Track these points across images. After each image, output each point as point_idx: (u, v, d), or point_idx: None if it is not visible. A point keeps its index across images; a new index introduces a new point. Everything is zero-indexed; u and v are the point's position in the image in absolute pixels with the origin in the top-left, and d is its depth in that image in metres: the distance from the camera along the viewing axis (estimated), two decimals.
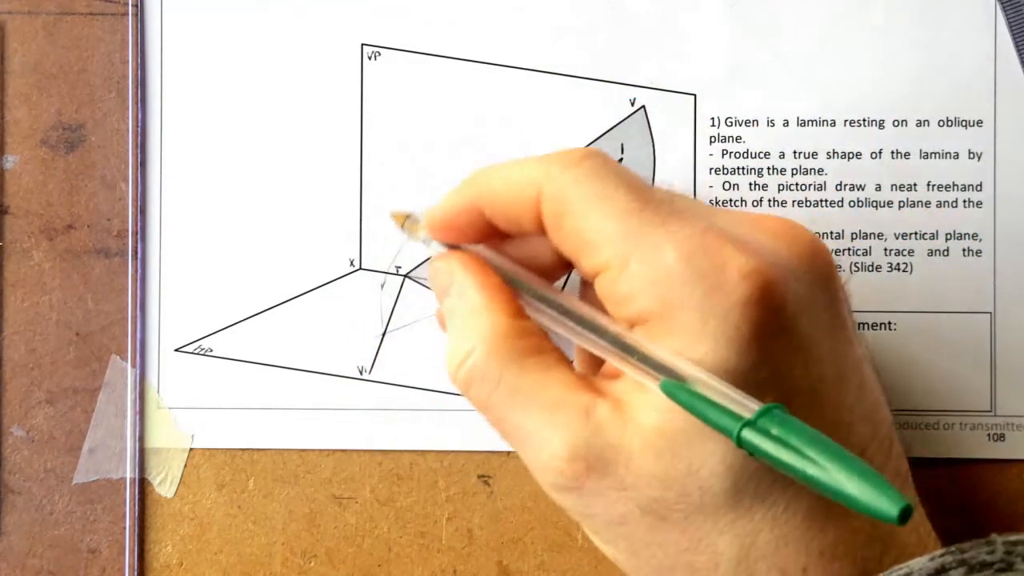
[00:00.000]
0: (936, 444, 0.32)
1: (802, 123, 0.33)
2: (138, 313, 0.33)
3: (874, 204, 0.33)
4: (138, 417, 0.33)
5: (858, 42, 0.32)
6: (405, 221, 0.28)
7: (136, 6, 0.33)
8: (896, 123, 0.33)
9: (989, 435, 0.32)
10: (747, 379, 0.21)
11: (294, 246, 0.33)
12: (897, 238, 0.33)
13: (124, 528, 0.33)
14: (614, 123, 0.33)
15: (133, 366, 0.33)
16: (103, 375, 0.33)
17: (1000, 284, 0.32)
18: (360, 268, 0.33)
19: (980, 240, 0.32)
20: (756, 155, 0.33)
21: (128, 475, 0.33)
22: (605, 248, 0.23)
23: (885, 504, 0.17)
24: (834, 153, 0.33)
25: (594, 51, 0.33)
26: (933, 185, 0.33)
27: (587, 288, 0.25)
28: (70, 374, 0.33)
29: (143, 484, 0.33)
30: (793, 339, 0.22)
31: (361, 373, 0.33)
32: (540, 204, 0.24)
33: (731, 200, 0.33)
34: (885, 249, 0.33)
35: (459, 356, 0.24)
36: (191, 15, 0.33)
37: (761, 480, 0.22)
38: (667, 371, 0.21)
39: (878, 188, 0.33)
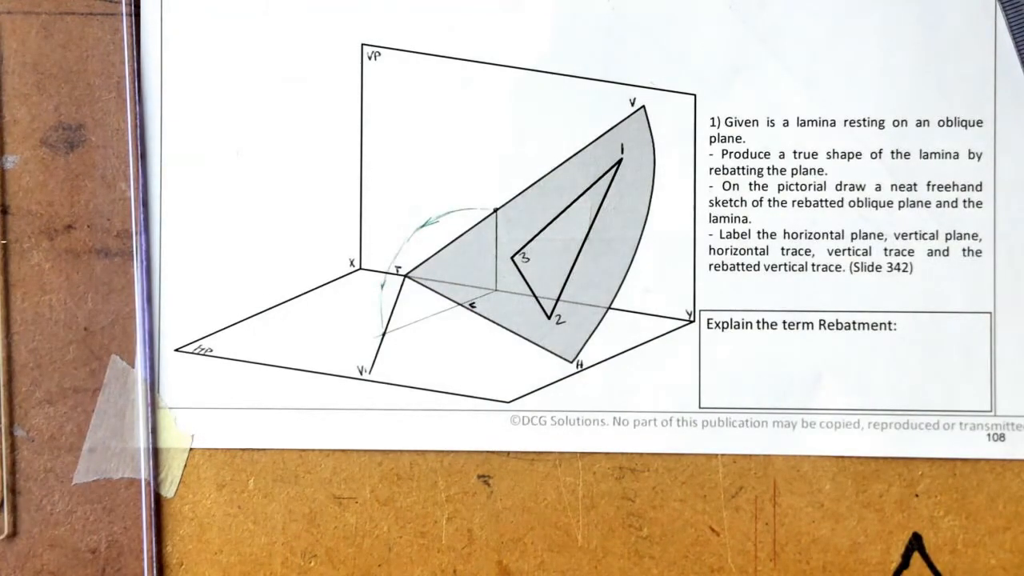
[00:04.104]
0: (936, 444, 0.32)
1: (802, 123, 0.33)
2: (139, 313, 0.33)
3: (874, 204, 0.33)
4: (141, 417, 0.33)
5: (858, 42, 0.32)
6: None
7: (131, 5, 0.33)
8: (896, 123, 0.33)
9: (989, 435, 0.32)
10: None
11: (294, 246, 0.33)
12: (897, 238, 0.33)
13: (124, 528, 0.33)
14: (614, 123, 0.33)
15: (133, 366, 0.33)
16: (103, 375, 0.33)
17: (1000, 284, 0.32)
18: (360, 268, 0.33)
19: (980, 240, 0.32)
20: (756, 155, 0.33)
21: (143, 476, 0.33)
22: None
23: None
24: (834, 153, 0.33)
25: (594, 51, 0.33)
26: (933, 185, 0.33)
27: None
28: (70, 374, 0.33)
29: (143, 484, 0.33)
30: None
31: (361, 373, 0.33)
32: None
33: (731, 200, 0.33)
34: (885, 249, 0.33)
35: None
36: (191, 14, 0.33)
37: None
38: None
39: (878, 188, 0.33)
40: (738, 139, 0.33)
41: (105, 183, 0.33)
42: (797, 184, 0.33)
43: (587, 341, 0.33)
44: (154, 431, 0.33)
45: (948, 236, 0.33)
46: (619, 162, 0.33)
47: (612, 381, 0.33)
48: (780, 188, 0.33)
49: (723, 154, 0.33)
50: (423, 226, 0.33)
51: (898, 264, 0.33)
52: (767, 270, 0.33)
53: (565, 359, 0.33)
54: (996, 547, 0.33)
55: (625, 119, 0.33)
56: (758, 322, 0.33)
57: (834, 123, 0.33)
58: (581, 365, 0.33)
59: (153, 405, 0.33)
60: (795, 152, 0.33)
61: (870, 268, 0.33)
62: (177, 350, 0.33)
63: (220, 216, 0.33)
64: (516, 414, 0.33)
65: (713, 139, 0.33)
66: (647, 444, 0.33)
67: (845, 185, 0.33)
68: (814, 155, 0.33)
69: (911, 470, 0.33)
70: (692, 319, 0.33)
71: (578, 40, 0.33)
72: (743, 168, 0.33)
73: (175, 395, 0.33)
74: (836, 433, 0.33)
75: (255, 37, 0.33)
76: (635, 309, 0.33)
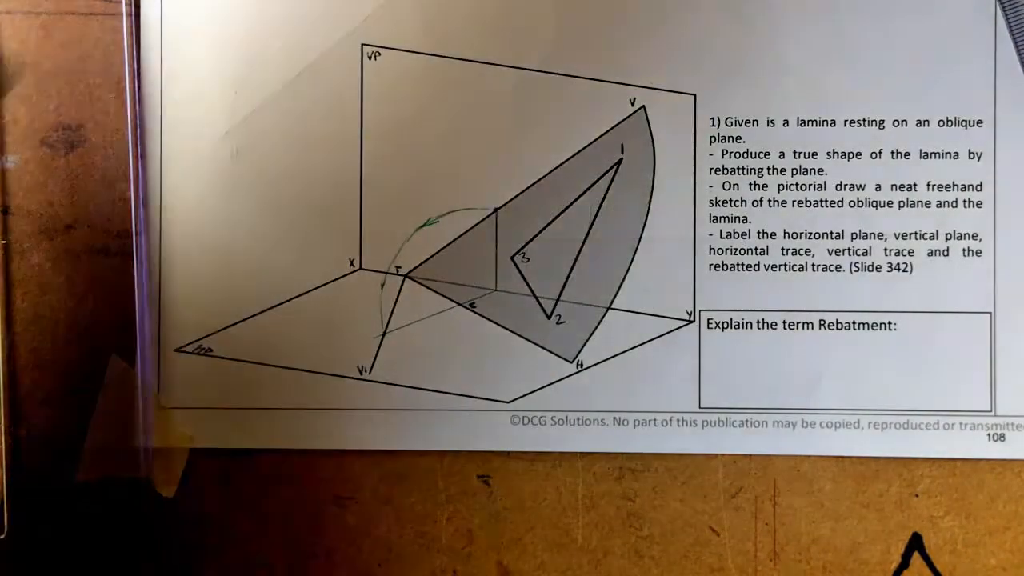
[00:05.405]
0: (936, 444, 0.32)
1: (802, 123, 0.33)
2: (139, 313, 0.33)
3: (874, 204, 0.33)
4: (141, 417, 0.33)
5: (858, 42, 0.32)
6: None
7: (131, 5, 0.33)
8: (896, 123, 0.33)
9: (989, 435, 0.32)
10: None
11: (294, 246, 0.33)
12: (897, 238, 0.33)
13: (124, 528, 0.33)
14: (614, 123, 0.33)
15: (133, 366, 0.33)
16: (103, 375, 0.33)
17: (1000, 284, 0.32)
18: (360, 268, 0.33)
19: (980, 240, 0.32)
20: (756, 155, 0.33)
21: (143, 476, 0.33)
22: None
23: None
24: (834, 153, 0.33)
25: (594, 51, 0.33)
26: (933, 185, 0.33)
27: None
28: (70, 374, 0.33)
29: (143, 484, 0.33)
30: None
31: (361, 373, 0.33)
32: None
33: (731, 200, 0.33)
34: (885, 249, 0.33)
35: None
36: (191, 15, 0.33)
37: None
38: None
39: (878, 188, 0.33)
40: (738, 139, 0.33)
41: (105, 183, 0.33)
42: (797, 184, 0.33)
43: (587, 341, 0.33)
44: (154, 431, 0.33)
45: (948, 236, 0.32)
46: (619, 162, 0.33)
47: (612, 381, 0.33)
48: (780, 188, 0.33)
49: (723, 154, 0.33)
50: (423, 226, 0.33)
51: (898, 264, 0.33)
52: (767, 270, 0.33)
53: (565, 359, 0.33)
54: (996, 547, 0.33)
55: (625, 119, 0.33)
56: (758, 322, 0.33)
57: (834, 123, 0.33)
58: (581, 365, 0.33)
59: (153, 405, 0.33)
60: (795, 152, 0.33)
61: (870, 268, 0.33)
62: (177, 350, 0.33)
63: (220, 216, 0.33)
64: (516, 414, 0.33)
65: (713, 139, 0.33)
66: (647, 444, 0.33)
67: (845, 185, 0.33)
68: (814, 155, 0.33)
69: (911, 470, 0.33)
70: (692, 319, 0.33)
71: (578, 40, 0.33)
72: (743, 168, 0.33)
73: (175, 395, 0.33)
74: (836, 433, 0.33)
75: (255, 37, 0.33)
76: (635, 309, 0.33)
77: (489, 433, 0.33)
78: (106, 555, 0.33)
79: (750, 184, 0.33)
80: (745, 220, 0.33)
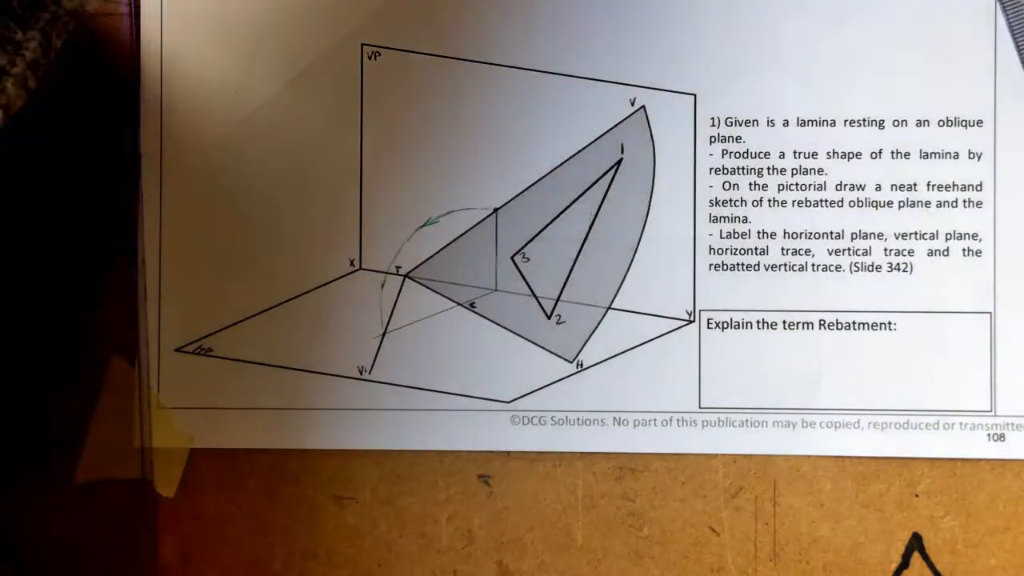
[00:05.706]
0: (936, 444, 0.32)
1: (802, 123, 0.33)
2: (139, 313, 0.33)
3: (874, 204, 0.33)
4: (141, 417, 0.33)
5: (858, 42, 0.32)
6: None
7: (131, 5, 0.33)
8: (896, 123, 0.33)
9: (989, 435, 0.32)
10: None
11: (294, 246, 0.33)
12: (897, 238, 0.33)
13: (124, 528, 0.33)
14: (614, 123, 0.33)
15: (133, 366, 0.33)
16: (104, 375, 0.33)
17: (1000, 284, 0.32)
18: (360, 268, 0.33)
19: (980, 240, 0.32)
20: (756, 155, 0.33)
21: (143, 476, 0.33)
22: None
23: None
24: (834, 153, 0.33)
25: (594, 51, 0.33)
26: (933, 185, 0.33)
27: None
28: (71, 373, 0.33)
29: (143, 484, 0.33)
30: None
31: (361, 373, 0.33)
32: None
33: (731, 200, 0.33)
34: (885, 249, 0.33)
35: None
36: (191, 15, 0.33)
37: None
38: None
39: (878, 188, 0.33)
40: (738, 139, 0.33)
41: (106, 183, 0.33)
42: (797, 184, 0.33)
43: (587, 341, 0.33)
44: (154, 431, 0.33)
45: (948, 236, 0.33)
46: (619, 162, 0.33)
47: (612, 381, 0.33)
48: (780, 188, 0.33)
49: (723, 154, 0.33)
50: (423, 226, 0.33)
51: (898, 264, 0.33)
52: (767, 270, 0.33)
53: (565, 359, 0.33)
54: (996, 547, 0.33)
55: (625, 119, 0.33)
56: (758, 322, 0.33)
57: (834, 123, 0.33)
58: (581, 365, 0.33)
59: (153, 405, 0.33)
60: (795, 152, 0.33)
61: (870, 268, 0.33)
62: (177, 350, 0.33)
63: (220, 216, 0.33)
64: (516, 414, 0.33)
65: (713, 139, 0.33)
66: (647, 444, 0.33)
67: (845, 185, 0.33)
68: (814, 155, 0.33)
69: (911, 470, 0.33)
70: (692, 319, 0.33)
71: (578, 40, 0.33)
72: (743, 168, 0.33)
73: (175, 395, 0.33)
74: (836, 433, 0.33)
75: (255, 37, 0.33)
76: (635, 309, 0.33)
77: (489, 433, 0.33)
78: (106, 555, 0.33)
79: (750, 184, 0.33)
80: (745, 220, 0.33)
